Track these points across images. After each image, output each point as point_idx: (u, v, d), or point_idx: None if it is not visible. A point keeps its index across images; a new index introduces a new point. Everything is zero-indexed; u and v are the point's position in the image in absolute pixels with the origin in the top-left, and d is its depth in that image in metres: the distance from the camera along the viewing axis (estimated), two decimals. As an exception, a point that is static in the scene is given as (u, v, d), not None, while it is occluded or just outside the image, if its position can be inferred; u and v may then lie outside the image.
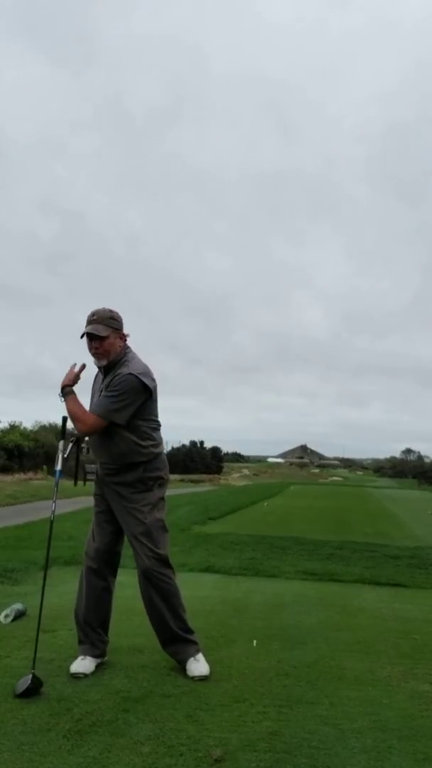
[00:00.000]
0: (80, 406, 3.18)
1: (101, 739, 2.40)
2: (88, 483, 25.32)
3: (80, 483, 24.66)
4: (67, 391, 3.19)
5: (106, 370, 3.23)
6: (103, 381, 3.23)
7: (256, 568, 6.52)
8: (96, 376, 3.37)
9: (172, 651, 3.23)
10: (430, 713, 2.78)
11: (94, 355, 3.19)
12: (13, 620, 4.01)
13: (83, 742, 2.38)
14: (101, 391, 3.18)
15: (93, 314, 3.16)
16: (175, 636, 3.19)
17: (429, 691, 3.06)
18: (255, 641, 3.76)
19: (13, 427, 31.39)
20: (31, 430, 32.56)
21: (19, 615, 4.09)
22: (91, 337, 3.15)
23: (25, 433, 31.08)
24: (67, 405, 3.20)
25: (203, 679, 3.07)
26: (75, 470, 26.07)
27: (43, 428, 34.02)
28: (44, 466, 27.68)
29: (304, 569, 6.50)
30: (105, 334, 3.13)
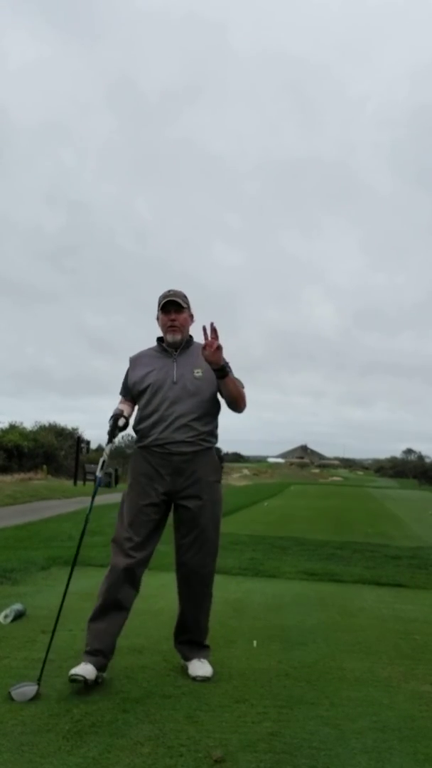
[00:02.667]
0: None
1: (101, 740, 2.40)
2: (87, 483, 25.38)
3: (80, 483, 24.67)
4: (226, 362, 3.08)
5: (175, 349, 3.20)
6: (175, 360, 3.16)
7: (256, 568, 6.51)
8: (139, 359, 3.25)
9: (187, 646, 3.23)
10: (431, 714, 2.77)
11: (170, 327, 3.16)
12: (12, 621, 4.00)
13: (83, 742, 2.37)
14: (186, 367, 3.14)
15: (169, 291, 3.19)
16: (204, 632, 3.26)
17: (430, 691, 3.05)
18: (255, 642, 3.75)
19: (13, 427, 31.38)
20: (30, 430, 32.54)
21: (19, 615, 4.09)
22: (170, 309, 3.14)
23: (24, 433, 31.06)
24: (231, 380, 3.11)
25: (205, 680, 3.04)
26: (75, 470, 26.08)
27: (42, 428, 34.01)
28: (44, 466, 27.69)
29: (305, 569, 6.50)
30: (185, 305, 3.18)
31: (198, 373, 3.14)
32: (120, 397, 3.30)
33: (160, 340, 3.28)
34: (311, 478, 64.66)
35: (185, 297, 3.22)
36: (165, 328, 3.19)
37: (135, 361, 3.27)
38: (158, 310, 3.21)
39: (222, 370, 3.03)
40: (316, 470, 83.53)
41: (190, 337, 3.26)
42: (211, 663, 3.20)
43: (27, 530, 9.54)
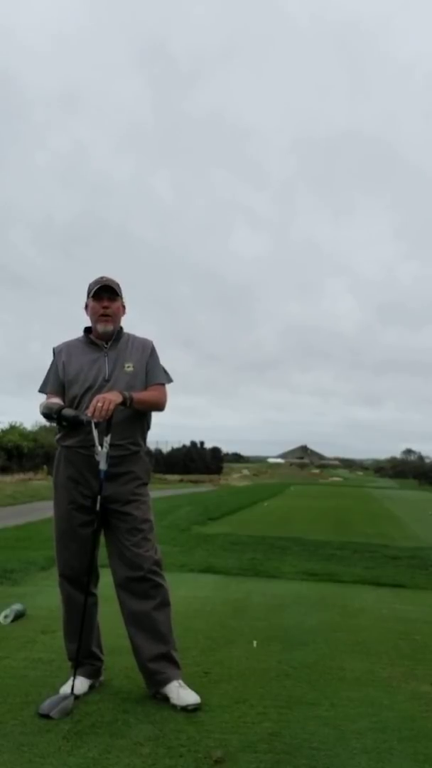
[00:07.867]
0: (144, 392, 2.93)
1: (101, 740, 2.40)
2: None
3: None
4: (126, 395, 2.80)
5: (106, 341, 2.97)
6: (107, 354, 2.94)
7: (256, 568, 6.52)
8: (69, 351, 3.00)
9: (155, 669, 2.84)
10: (431, 714, 2.77)
11: (102, 316, 2.92)
12: (12, 621, 4.00)
13: (83, 743, 2.37)
14: (117, 362, 2.92)
15: (102, 277, 2.97)
16: (167, 652, 2.86)
17: (429, 692, 3.05)
18: (255, 642, 3.75)
19: (13, 428, 31.41)
20: (30, 431, 32.55)
21: (19, 616, 4.09)
22: (104, 296, 2.92)
23: (24, 434, 31.08)
24: (139, 401, 2.86)
25: (197, 708, 2.71)
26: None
27: (43, 428, 34.01)
28: (44, 466, 27.69)
29: (305, 570, 6.50)
30: (119, 293, 2.98)
31: (129, 367, 2.94)
32: (43, 394, 2.99)
33: (87, 330, 3.05)
34: (311, 478, 64.69)
35: (119, 286, 3.00)
36: (96, 316, 2.95)
37: (64, 353, 3.01)
38: (88, 298, 2.98)
39: (124, 404, 2.80)
40: (316, 470, 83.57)
41: (120, 328, 3.03)
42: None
43: (27, 530, 9.54)
